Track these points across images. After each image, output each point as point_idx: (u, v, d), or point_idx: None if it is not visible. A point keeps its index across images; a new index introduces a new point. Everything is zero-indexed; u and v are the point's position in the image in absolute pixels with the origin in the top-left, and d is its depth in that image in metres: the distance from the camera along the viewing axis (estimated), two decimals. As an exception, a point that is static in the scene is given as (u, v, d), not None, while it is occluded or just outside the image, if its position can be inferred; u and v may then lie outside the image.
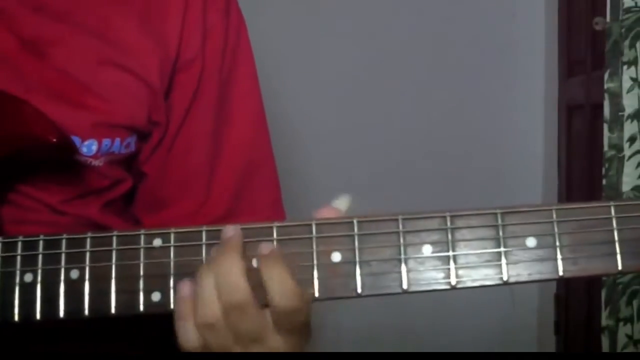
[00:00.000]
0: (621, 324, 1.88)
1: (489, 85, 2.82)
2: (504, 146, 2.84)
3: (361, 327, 2.76)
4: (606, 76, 1.89)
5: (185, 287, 0.76)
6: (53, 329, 0.89)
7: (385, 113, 2.80)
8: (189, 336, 0.76)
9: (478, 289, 0.75)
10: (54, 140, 0.85)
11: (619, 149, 1.87)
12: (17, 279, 0.79)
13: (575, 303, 2.57)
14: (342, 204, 0.79)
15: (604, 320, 1.91)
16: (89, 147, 0.93)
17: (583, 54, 2.47)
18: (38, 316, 0.79)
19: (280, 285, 0.74)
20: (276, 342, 0.76)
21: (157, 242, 0.78)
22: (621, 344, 1.88)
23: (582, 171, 2.49)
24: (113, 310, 0.78)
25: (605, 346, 1.91)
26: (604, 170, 1.90)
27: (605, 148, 1.89)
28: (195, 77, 1.00)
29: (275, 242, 0.76)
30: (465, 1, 2.82)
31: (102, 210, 0.99)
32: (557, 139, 2.71)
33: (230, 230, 0.76)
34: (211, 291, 0.75)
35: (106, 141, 0.94)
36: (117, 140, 0.95)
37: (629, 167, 1.86)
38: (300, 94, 2.74)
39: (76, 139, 0.91)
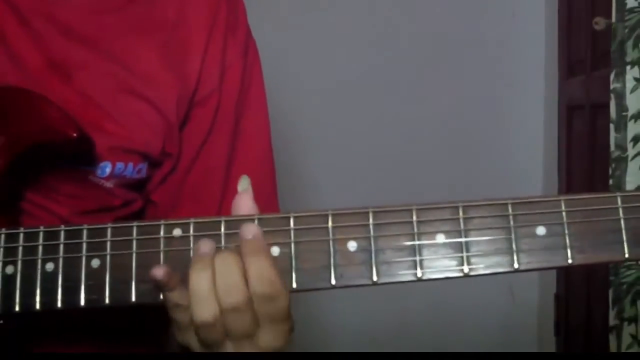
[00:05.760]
0: (625, 323, 1.89)
1: (489, 85, 2.84)
2: (504, 146, 2.85)
3: (360, 327, 2.77)
4: (612, 76, 1.90)
5: (167, 274, 0.75)
6: (53, 330, 0.91)
7: (384, 114, 2.82)
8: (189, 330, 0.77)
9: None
10: (74, 135, 0.87)
11: (623, 149, 1.88)
12: (39, 268, 0.80)
13: (575, 303, 2.57)
14: (242, 185, 0.81)
15: (612, 320, 1.91)
16: (102, 169, 0.94)
17: (583, 54, 2.48)
18: (59, 304, 0.80)
19: (258, 270, 0.75)
20: (266, 337, 0.77)
21: (177, 232, 0.79)
22: (625, 344, 1.89)
23: (582, 171, 2.49)
24: (133, 299, 0.79)
25: (613, 346, 1.92)
26: (610, 170, 1.91)
27: (612, 148, 1.90)
28: (212, 112, 1.01)
29: (292, 232, 0.78)
30: (465, 1, 2.83)
31: None
32: (557, 139, 2.72)
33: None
34: (210, 290, 0.75)
35: (119, 164, 0.95)
36: (130, 164, 0.96)
37: (632, 167, 1.87)
38: (304, 95, 2.75)
39: None
